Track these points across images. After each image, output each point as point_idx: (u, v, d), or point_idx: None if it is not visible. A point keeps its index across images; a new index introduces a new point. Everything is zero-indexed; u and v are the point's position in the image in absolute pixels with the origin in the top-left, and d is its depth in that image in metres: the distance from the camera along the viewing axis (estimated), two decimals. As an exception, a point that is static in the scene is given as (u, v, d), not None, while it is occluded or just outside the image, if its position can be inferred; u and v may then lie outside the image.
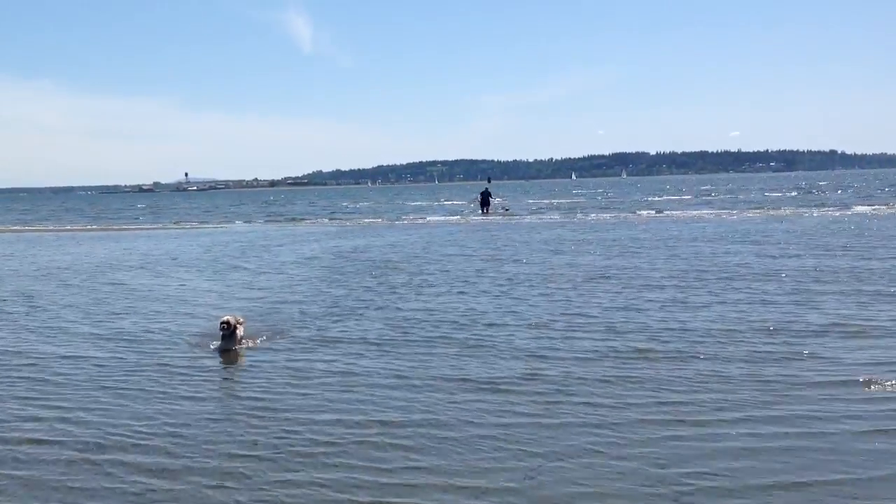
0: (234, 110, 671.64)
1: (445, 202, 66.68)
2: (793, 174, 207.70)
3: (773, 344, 8.52)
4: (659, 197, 64.31)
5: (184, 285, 15.38)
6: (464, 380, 7.44)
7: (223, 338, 8.99)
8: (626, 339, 8.93)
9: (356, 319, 10.83)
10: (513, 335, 9.39)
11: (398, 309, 11.60)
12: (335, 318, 10.95)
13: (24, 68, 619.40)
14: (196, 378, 7.89)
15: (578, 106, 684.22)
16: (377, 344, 9.17)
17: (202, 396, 7.24)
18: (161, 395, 7.26)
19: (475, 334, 9.53)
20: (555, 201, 61.90)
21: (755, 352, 8.20)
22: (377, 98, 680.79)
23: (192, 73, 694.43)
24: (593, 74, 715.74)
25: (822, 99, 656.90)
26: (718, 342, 8.66)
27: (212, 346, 9.15)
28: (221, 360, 8.74)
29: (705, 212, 38.58)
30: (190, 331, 10.38)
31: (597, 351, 8.44)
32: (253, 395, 7.24)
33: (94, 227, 42.97)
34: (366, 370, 7.94)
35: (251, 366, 8.38)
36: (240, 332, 9.12)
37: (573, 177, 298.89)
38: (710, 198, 59.07)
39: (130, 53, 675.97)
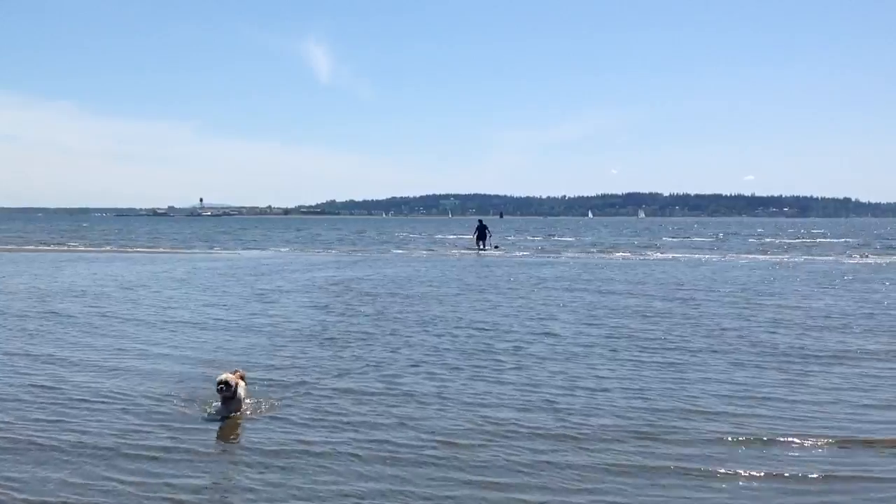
0: (251, 137, 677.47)
1: (447, 235, 66.33)
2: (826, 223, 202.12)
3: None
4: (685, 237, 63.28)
5: (132, 316, 14.84)
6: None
7: (224, 401, 7.39)
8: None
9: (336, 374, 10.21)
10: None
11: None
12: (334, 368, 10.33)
13: (46, 89, 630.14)
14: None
15: (593, 145, 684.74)
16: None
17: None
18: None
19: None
20: (541, 239, 61.34)
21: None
22: (394, 130, 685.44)
23: (211, 100, 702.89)
24: (609, 115, 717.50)
25: (838, 146, 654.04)
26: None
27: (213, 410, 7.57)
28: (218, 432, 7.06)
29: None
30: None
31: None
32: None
33: (75, 247, 42.83)
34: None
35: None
36: (241, 392, 7.50)
37: (590, 215, 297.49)
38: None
39: (151, 78, 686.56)
